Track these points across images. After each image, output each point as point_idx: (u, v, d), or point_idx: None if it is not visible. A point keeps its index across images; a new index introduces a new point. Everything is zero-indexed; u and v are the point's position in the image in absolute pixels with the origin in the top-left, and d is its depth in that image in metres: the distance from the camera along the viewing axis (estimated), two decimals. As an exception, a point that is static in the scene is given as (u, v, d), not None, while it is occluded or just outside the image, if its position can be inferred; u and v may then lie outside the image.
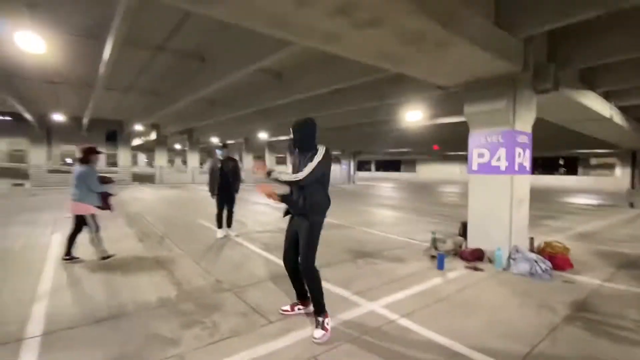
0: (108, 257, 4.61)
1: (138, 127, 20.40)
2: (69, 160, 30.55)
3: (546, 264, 4.35)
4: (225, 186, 6.10)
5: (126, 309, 3.15)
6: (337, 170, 28.17)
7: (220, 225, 6.21)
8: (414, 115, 10.90)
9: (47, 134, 20.80)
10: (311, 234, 2.78)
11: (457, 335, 2.73)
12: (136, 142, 27.34)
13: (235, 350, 2.50)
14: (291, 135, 2.89)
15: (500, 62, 3.88)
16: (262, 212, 9.73)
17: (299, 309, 3.13)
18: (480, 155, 5.00)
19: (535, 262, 4.33)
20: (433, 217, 9.15)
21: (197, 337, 2.69)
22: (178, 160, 42.54)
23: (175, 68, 8.22)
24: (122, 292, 3.55)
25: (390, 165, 50.48)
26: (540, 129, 5.46)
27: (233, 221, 6.42)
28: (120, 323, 2.89)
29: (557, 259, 4.66)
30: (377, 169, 54.11)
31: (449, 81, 4.86)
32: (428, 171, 44.34)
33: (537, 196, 16.71)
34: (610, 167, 30.49)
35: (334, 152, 27.74)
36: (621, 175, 25.86)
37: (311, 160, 2.72)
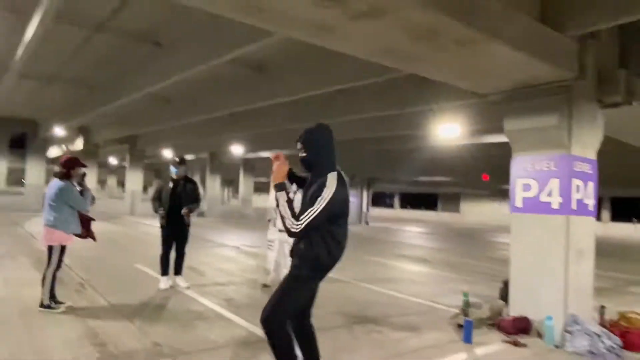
0: (49, 307, 4.96)
1: (59, 132, 21.06)
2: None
3: (613, 340, 4.62)
4: (175, 217, 6.37)
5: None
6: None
7: (165, 272, 6.48)
8: (449, 130, 11.44)
9: None
10: (290, 286, 3.00)
11: None
12: (54, 152, 27.95)
13: None
14: (300, 152, 3.04)
15: (544, 65, 4.38)
16: (228, 259, 10.01)
17: None
18: (527, 188, 5.40)
19: (598, 336, 4.61)
20: (472, 276, 9.42)
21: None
22: (112, 181, 43.06)
23: (119, 53, 8.85)
24: (24, 349, 3.83)
25: (421, 201, 50.80)
26: (614, 155, 5.88)
27: (184, 267, 6.70)
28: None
29: (632, 335, 4.91)
30: (403, 206, 54.43)
31: (483, 88, 5.37)
32: (477, 211, 44.63)
33: (615, 251, 16.72)
34: None
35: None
36: None
37: (319, 195, 2.80)
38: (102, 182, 43.33)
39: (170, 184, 6.45)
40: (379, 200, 51.93)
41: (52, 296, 5.09)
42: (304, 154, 3.04)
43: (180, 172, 6.50)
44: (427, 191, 46.19)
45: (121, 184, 41.46)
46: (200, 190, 6.81)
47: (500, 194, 42.66)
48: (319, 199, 2.80)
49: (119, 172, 42.82)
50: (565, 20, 4.44)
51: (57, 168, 5.28)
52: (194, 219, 6.71)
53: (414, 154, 17.51)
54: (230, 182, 49.87)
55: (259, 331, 4.62)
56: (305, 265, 2.94)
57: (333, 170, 2.93)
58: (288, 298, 2.99)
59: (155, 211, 6.50)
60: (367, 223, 29.54)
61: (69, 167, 5.14)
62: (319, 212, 2.77)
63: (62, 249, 5.11)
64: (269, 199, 6.98)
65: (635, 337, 4.92)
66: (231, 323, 5.03)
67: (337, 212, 2.91)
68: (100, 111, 13.73)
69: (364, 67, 7.19)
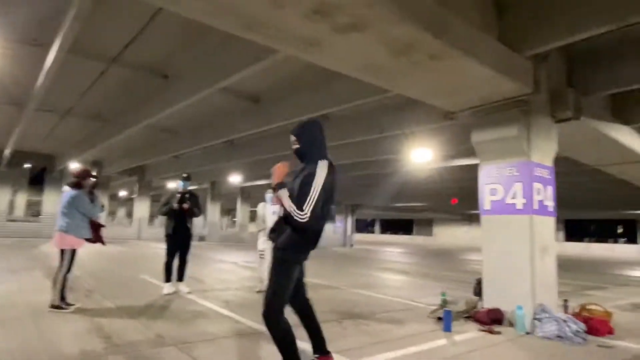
0: (59, 307, 4.75)
1: (73, 166, 20.78)
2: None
3: (578, 325, 4.53)
4: (180, 227, 6.33)
5: (40, 357, 3.22)
6: (329, 230, 28.32)
7: (168, 278, 6.30)
8: (422, 155, 11.51)
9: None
10: (279, 272, 2.83)
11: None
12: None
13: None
14: (294, 144, 3.00)
15: (505, 80, 4.46)
16: (226, 271, 9.80)
17: None
18: (493, 192, 5.41)
19: (565, 322, 4.52)
20: (447, 283, 9.31)
21: (127, 388, 2.77)
22: (121, 212, 42.37)
23: (130, 85, 8.83)
24: (36, 343, 3.62)
25: (399, 226, 50.92)
26: (568, 182, 5.94)
27: (186, 275, 6.54)
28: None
29: (594, 322, 4.85)
30: (383, 231, 54.38)
31: (453, 104, 5.44)
32: (448, 234, 44.77)
33: (585, 267, 17.19)
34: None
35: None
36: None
37: (310, 181, 2.72)
38: (112, 213, 42.63)
39: (177, 198, 6.37)
40: (362, 227, 51.79)
41: (62, 298, 4.87)
42: (297, 145, 2.99)
43: (186, 185, 6.49)
44: (404, 217, 46.42)
45: (129, 214, 40.83)
46: (199, 203, 6.71)
47: (469, 219, 43.05)
48: (313, 185, 2.72)
49: (128, 204, 42.24)
50: (519, 42, 4.56)
51: (72, 179, 5.18)
52: (194, 243, 6.67)
53: (391, 179, 17.55)
54: (228, 212, 49.49)
55: (256, 325, 4.54)
56: (290, 247, 2.81)
57: (324, 159, 2.87)
58: (280, 286, 2.81)
59: (164, 213, 6.44)
60: (351, 245, 29.35)
61: (81, 177, 5.10)
62: (317, 198, 2.69)
63: (73, 253, 4.93)
64: (259, 209, 6.94)
65: (597, 323, 4.86)
66: (230, 319, 4.85)
67: (326, 197, 2.79)
68: (112, 143, 13.57)
69: (347, 92, 7.32)
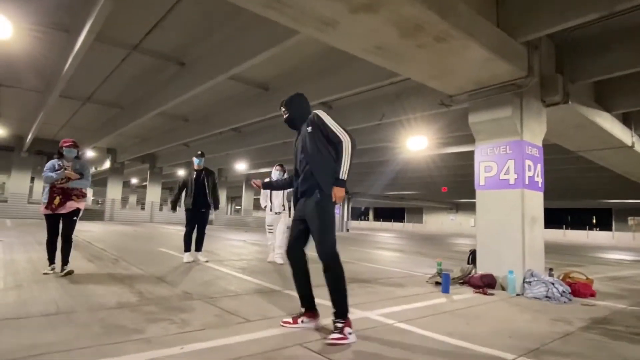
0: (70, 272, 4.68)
1: (89, 154, 20.74)
2: None
3: (564, 287, 4.68)
4: (199, 201, 6.38)
5: (80, 308, 3.30)
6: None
7: (188, 248, 6.39)
8: (418, 142, 11.61)
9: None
10: (325, 219, 2.85)
11: (460, 337, 2.97)
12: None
13: (208, 337, 2.69)
14: (285, 114, 3.21)
15: (502, 63, 4.54)
16: (237, 246, 9.91)
17: (303, 322, 2.98)
18: (488, 169, 5.51)
19: (552, 284, 4.65)
20: (440, 258, 9.44)
21: (165, 328, 2.87)
22: (133, 198, 42.28)
23: (148, 72, 8.84)
24: (74, 296, 3.70)
25: (392, 214, 51.12)
26: (548, 170, 6.01)
27: (203, 249, 6.63)
28: (73, 316, 3.06)
29: (578, 286, 5.00)
30: (377, 219, 54.61)
31: (452, 87, 5.51)
32: (438, 222, 45.11)
33: (565, 250, 17.45)
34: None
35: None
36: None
37: (325, 123, 2.92)
38: (124, 199, 42.53)
39: (194, 174, 6.43)
40: (357, 214, 52.02)
41: (50, 259, 4.78)
42: (287, 115, 3.18)
43: (201, 162, 6.52)
44: (396, 205, 46.55)
45: (140, 202, 40.78)
46: (217, 180, 6.80)
47: (456, 207, 43.37)
48: (327, 123, 2.93)
49: (139, 191, 42.20)
50: (515, 28, 4.64)
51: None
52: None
53: (387, 167, 17.67)
54: (233, 199, 49.52)
55: (272, 285, 4.67)
56: (326, 193, 2.86)
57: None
58: (330, 226, 2.89)
59: (173, 209, 6.55)
60: (347, 230, 29.52)
61: (59, 147, 4.85)
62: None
63: (47, 220, 4.73)
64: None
65: (581, 287, 5.01)
66: (247, 281, 4.96)
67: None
68: (127, 130, 13.58)
69: (352, 79, 7.38)
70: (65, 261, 4.72)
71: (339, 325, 2.70)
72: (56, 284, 4.22)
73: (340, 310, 2.76)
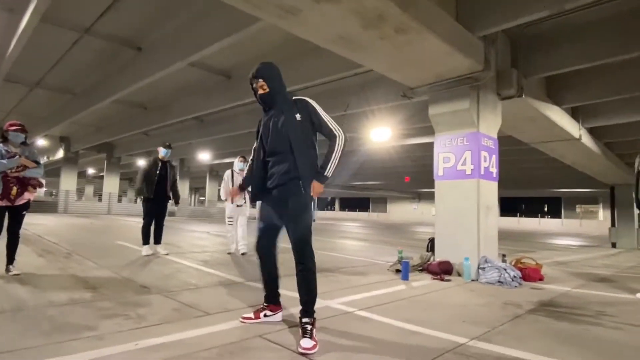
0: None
1: (41, 142, 19.56)
2: None
3: (515, 272, 4.93)
4: (160, 192, 6.18)
5: (26, 306, 3.13)
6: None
7: (146, 241, 6.18)
8: (381, 133, 11.78)
9: None
10: (308, 210, 2.72)
11: (417, 322, 3.07)
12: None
13: (165, 332, 2.62)
14: (263, 90, 2.73)
15: (460, 56, 4.66)
16: (200, 238, 9.71)
17: (266, 315, 2.90)
18: (446, 160, 5.68)
19: (505, 269, 4.90)
20: (402, 247, 9.69)
21: (119, 324, 2.77)
22: (90, 189, 40.33)
23: (102, 57, 8.38)
24: (21, 294, 3.50)
25: (357, 204, 51.84)
26: (504, 162, 6.31)
27: (162, 241, 6.44)
28: (19, 315, 2.89)
29: (528, 270, 5.29)
30: (342, 209, 55.21)
31: (412, 79, 5.61)
32: (401, 211, 46.20)
33: (518, 237, 18.48)
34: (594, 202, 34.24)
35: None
36: (604, 216, 29.11)
37: (315, 111, 2.72)
38: (80, 191, 40.49)
39: (159, 164, 6.24)
40: (322, 205, 52.35)
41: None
42: (267, 89, 2.73)
43: (168, 154, 6.36)
44: (361, 195, 47.22)
45: (97, 193, 38.97)
46: (177, 175, 6.61)
47: (418, 196, 44.59)
48: (320, 115, 2.74)
49: (96, 182, 40.27)
50: (473, 22, 4.77)
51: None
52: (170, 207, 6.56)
53: (352, 158, 17.81)
54: (197, 190, 48.38)
55: (233, 278, 4.62)
56: (307, 177, 2.67)
57: (290, 102, 2.78)
58: (310, 228, 2.73)
59: (146, 194, 6.16)
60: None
61: (3, 131, 4.36)
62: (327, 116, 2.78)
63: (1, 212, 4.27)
64: (226, 176, 6.91)
65: (531, 272, 5.30)
66: (208, 274, 4.87)
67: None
68: (80, 118, 12.89)
69: (318, 69, 7.34)
70: (11, 259, 4.35)
71: (308, 327, 2.52)
72: (8, 280, 3.97)
73: (311, 310, 2.65)
